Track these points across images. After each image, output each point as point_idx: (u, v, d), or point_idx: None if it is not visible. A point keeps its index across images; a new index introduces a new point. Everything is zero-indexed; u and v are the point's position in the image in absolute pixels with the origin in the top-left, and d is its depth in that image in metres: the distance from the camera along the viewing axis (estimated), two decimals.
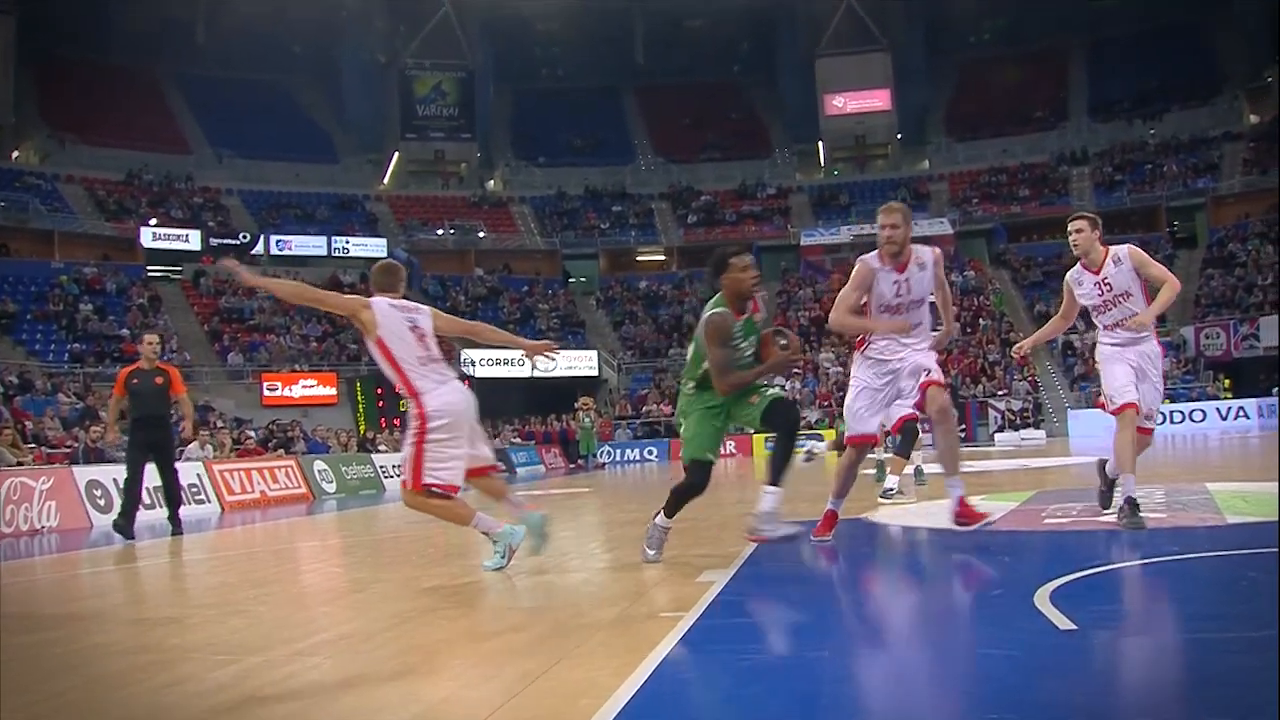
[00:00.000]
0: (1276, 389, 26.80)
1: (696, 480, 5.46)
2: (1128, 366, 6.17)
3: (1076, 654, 3.11)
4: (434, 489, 5.52)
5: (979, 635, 3.65)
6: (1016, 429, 30.72)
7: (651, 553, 5.59)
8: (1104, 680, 2.87)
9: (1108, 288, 6.21)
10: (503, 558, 5.62)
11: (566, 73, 47.31)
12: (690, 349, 5.58)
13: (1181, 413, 28.59)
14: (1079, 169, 42.29)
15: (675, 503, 5.57)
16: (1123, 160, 42.06)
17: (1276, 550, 4.44)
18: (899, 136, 46.52)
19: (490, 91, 47.10)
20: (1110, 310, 6.23)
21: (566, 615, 4.33)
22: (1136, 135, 42.79)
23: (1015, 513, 7.21)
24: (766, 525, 5.33)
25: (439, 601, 4.86)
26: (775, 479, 5.33)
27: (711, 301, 5.48)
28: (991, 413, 31.96)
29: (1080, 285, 6.32)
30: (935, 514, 6.93)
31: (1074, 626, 3.36)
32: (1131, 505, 5.83)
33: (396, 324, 5.60)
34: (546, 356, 6.23)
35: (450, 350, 33.12)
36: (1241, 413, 28.09)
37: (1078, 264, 6.35)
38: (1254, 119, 42.26)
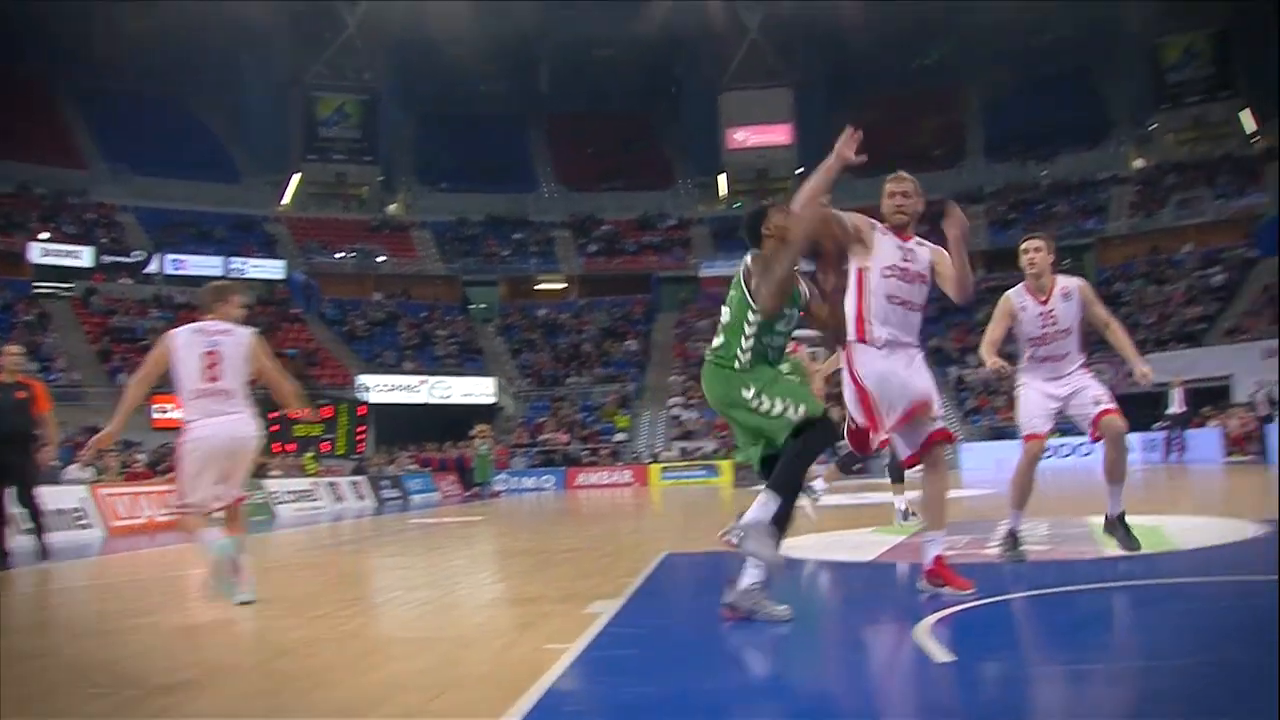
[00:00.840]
0: (1157, 424, 28.14)
1: (828, 434, 4.81)
2: (1046, 397, 6.04)
3: (954, 686, 3.27)
4: (186, 512, 5.72)
5: (859, 668, 3.84)
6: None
7: (771, 551, 4.58)
8: (981, 712, 2.99)
9: (1051, 320, 6.04)
10: (231, 588, 5.61)
11: (472, 98, 47.87)
12: (726, 317, 4.82)
13: (1069, 446, 30.04)
14: (975, 207, 44.12)
15: (796, 474, 4.71)
16: (1016, 200, 44.11)
17: (1276, 577, 4.87)
18: (800, 171, 48.03)
19: (394, 115, 47.73)
20: (1046, 344, 6.06)
21: (452, 647, 4.34)
22: (1030, 176, 44.93)
23: (902, 546, 7.25)
24: (750, 540, 4.53)
25: (324, 631, 4.91)
26: (785, 487, 4.62)
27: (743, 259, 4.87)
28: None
29: (1024, 310, 6.09)
30: (831, 546, 7.16)
31: (952, 658, 3.50)
32: (1013, 538, 6.03)
33: (189, 350, 5.77)
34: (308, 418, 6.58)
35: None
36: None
37: (1020, 286, 6.16)
38: (1139, 163, 44.71)
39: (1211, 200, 41.22)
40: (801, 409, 4.60)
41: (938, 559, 5.01)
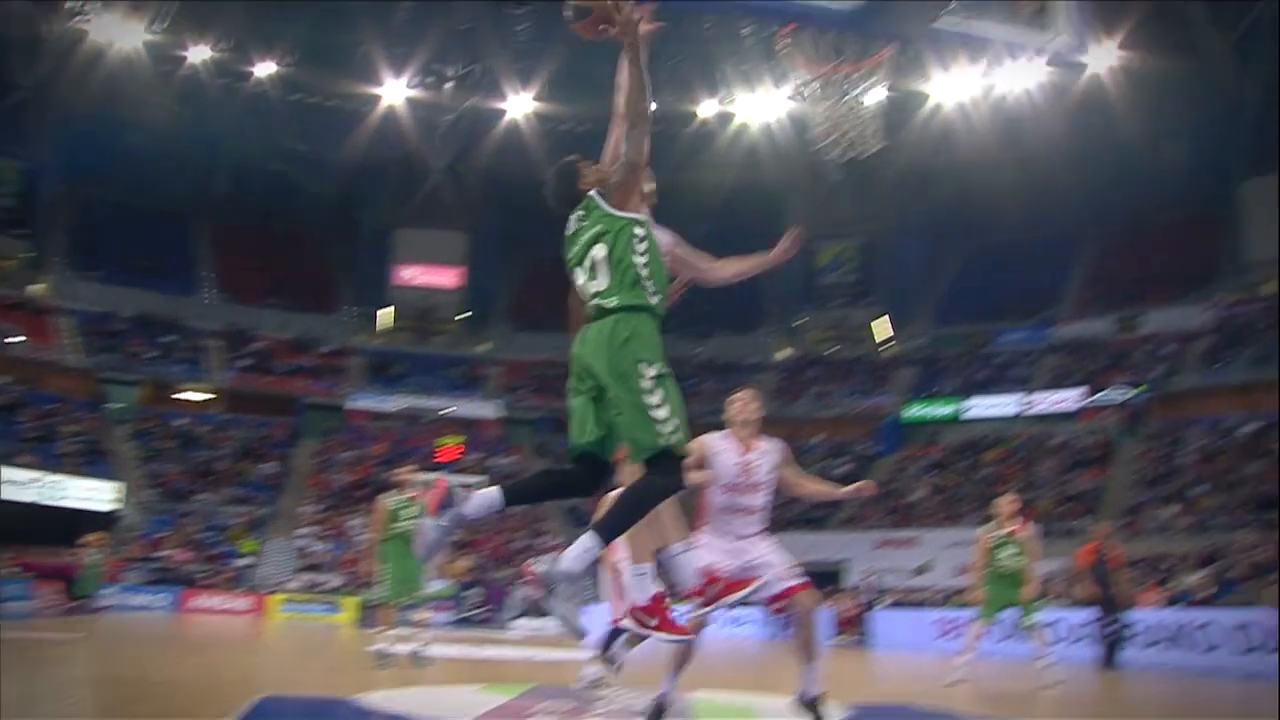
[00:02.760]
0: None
1: (678, 484, 4.46)
2: (723, 556, 5.92)
3: None
4: None
5: None
6: (536, 616, 32.55)
7: (575, 617, 4.41)
8: None
9: (748, 472, 6.07)
10: None
11: (144, 189, 46.71)
12: (600, 253, 4.60)
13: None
14: None
15: (630, 518, 4.37)
16: (677, 371, 48.14)
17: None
18: (464, 316, 50.71)
19: (56, 191, 46.26)
20: (740, 495, 6.07)
21: None
22: (683, 350, 49.23)
23: (501, 708, 7.06)
24: (558, 593, 4.27)
25: None
26: (614, 530, 4.33)
27: (584, 204, 4.75)
28: (512, 598, 34.59)
29: (720, 455, 6.09)
30: (428, 703, 6.97)
31: None
32: (659, 710, 5.99)
33: None
34: None
35: None
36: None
37: (722, 433, 6.23)
38: (784, 353, 50.18)
39: (844, 396, 46.85)
40: (678, 436, 4.34)
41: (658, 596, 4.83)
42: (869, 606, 29.27)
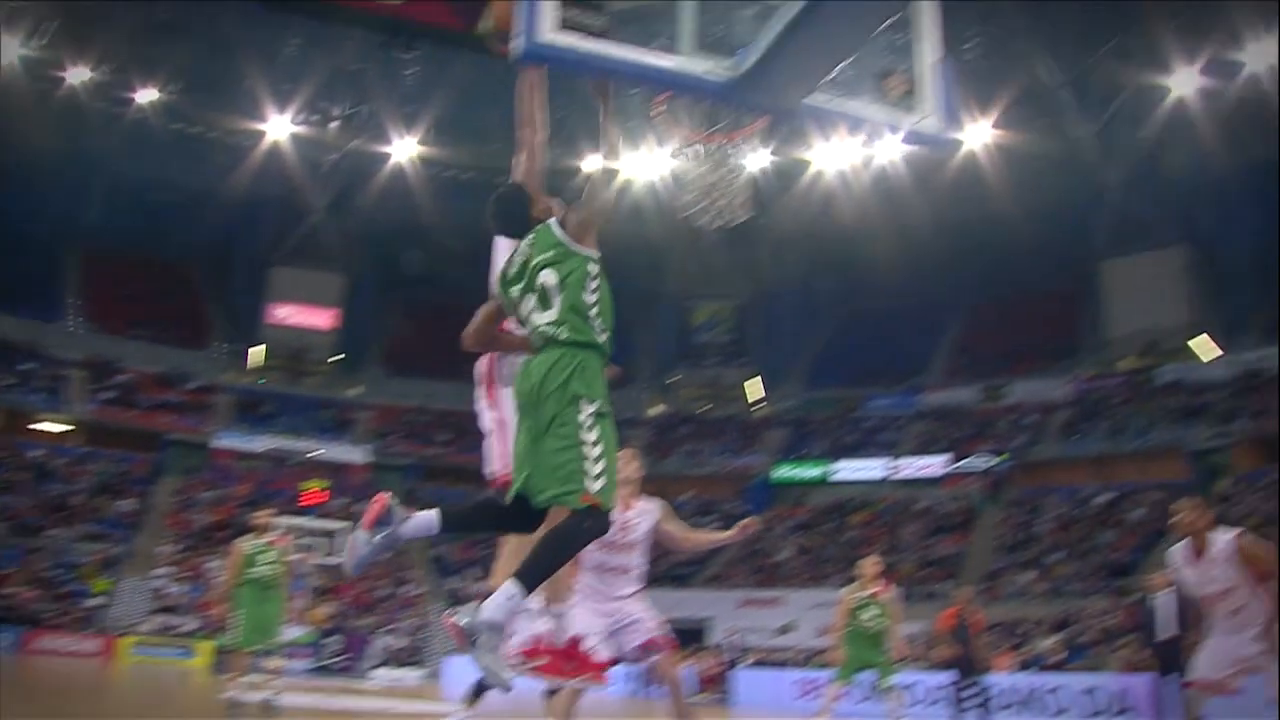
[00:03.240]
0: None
1: (602, 530, 4.32)
2: (595, 617, 5.99)
3: None
4: None
5: None
6: (396, 667, 33.26)
7: (501, 668, 4.17)
8: None
9: (625, 531, 6.22)
10: None
11: (8, 209, 45.24)
12: (552, 279, 4.58)
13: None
14: None
15: (552, 563, 4.31)
16: None
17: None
18: (336, 359, 50.24)
19: None
20: (611, 555, 6.17)
21: None
22: None
23: None
24: (483, 645, 4.09)
25: None
26: (537, 578, 4.23)
27: (538, 232, 4.72)
28: (373, 647, 34.68)
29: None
30: None
31: None
32: None
33: None
34: None
35: None
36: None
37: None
38: (656, 410, 50.69)
39: (714, 455, 47.46)
40: (606, 482, 4.27)
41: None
42: (731, 665, 29.70)
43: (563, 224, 4.63)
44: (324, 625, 33.55)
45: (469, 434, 46.15)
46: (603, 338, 4.58)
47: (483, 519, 4.89)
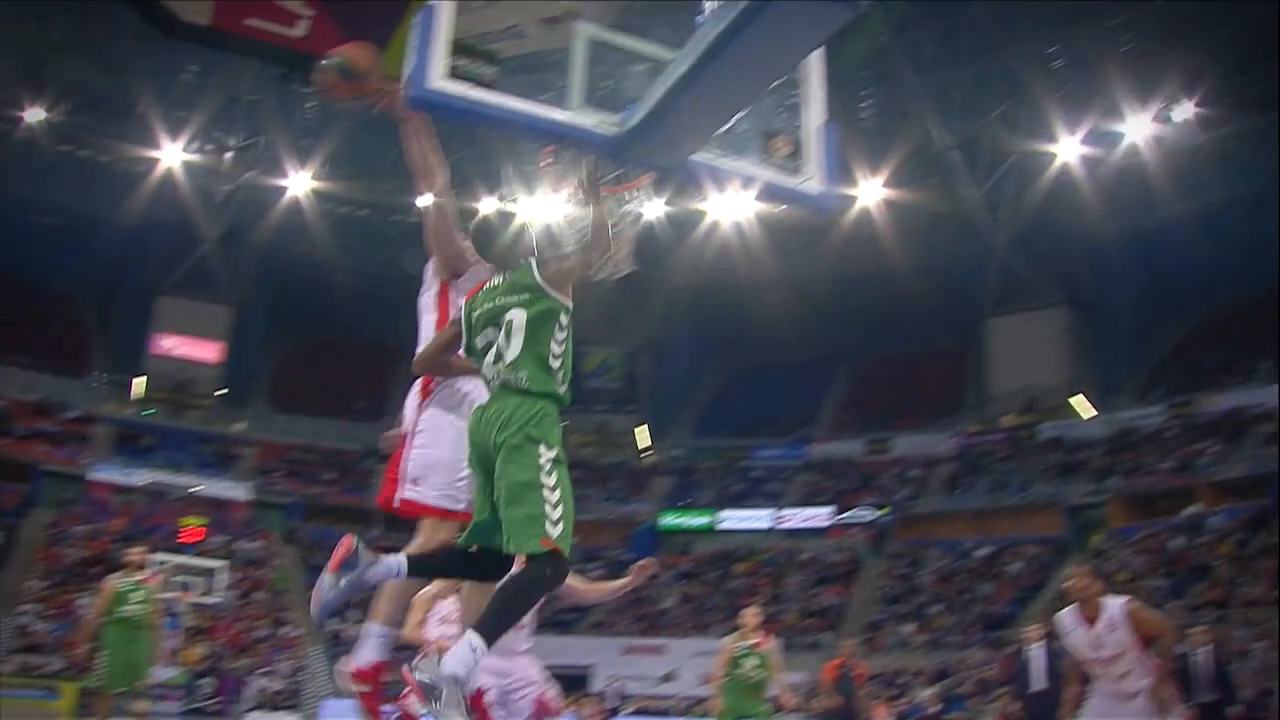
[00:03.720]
0: None
1: (559, 579, 4.30)
2: (488, 675, 5.80)
3: None
4: None
5: None
6: (272, 710, 32.44)
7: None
8: None
9: None
10: None
11: None
12: (517, 320, 4.52)
13: None
14: (384, 465, 47.30)
15: (512, 613, 4.27)
16: None
17: None
18: (221, 393, 49.33)
19: None
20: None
21: None
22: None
23: None
24: (446, 700, 3.97)
25: None
26: (496, 630, 4.14)
27: (518, 270, 4.68)
28: (249, 689, 33.79)
29: None
30: None
31: None
32: None
33: None
34: None
35: None
36: None
37: None
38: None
39: (600, 501, 47.47)
40: (565, 530, 4.22)
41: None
42: (613, 713, 29.69)
43: (542, 266, 4.58)
44: (197, 666, 32.73)
45: (353, 473, 46.10)
46: (562, 389, 4.52)
47: (450, 565, 4.76)
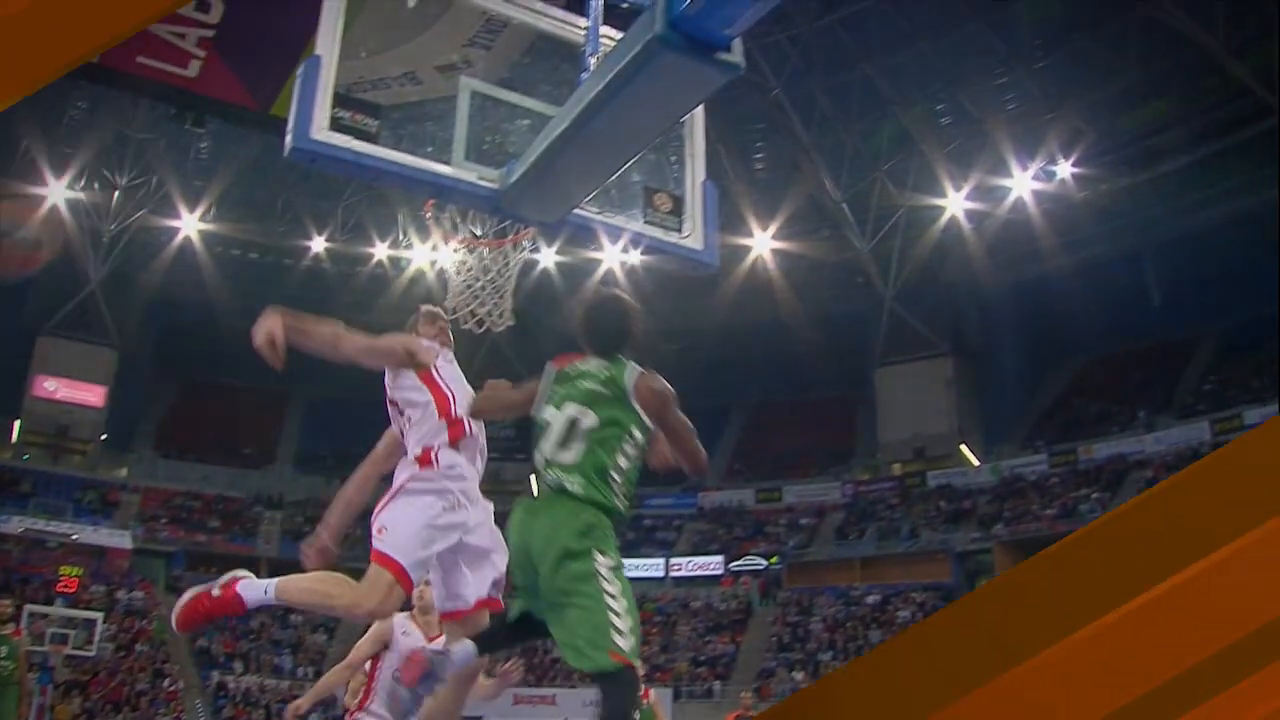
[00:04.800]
0: None
1: (636, 696, 3.99)
2: None
3: None
4: None
5: None
6: None
7: None
8: None
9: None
10: None
11: None
12: (590, 422, 4.23)
13: None
14: (272, 512, 46.69)
15: None
16: (315, 513, 47.19)
17: None
18: (104, 437, 48.19)
19: None
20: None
21: None
22: (333, 491, 48.44)
23: None
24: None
25: None
26: (487, 644, 4.30)
27: (615, 366, 4.40)
28: None
29: (406, 637, 6.47)
30: None
31: None
32: None
33: None
34: None
35: None
36: None
37: (404, 616, 6.55)
38: None
39: None
40: (633, 644, 3.88)
41: None
42: None
43: (638, 375, 4.32)
44: None
45: (240, 520, 45.26)
46: (622, 504, 4.14)
47: (509, 634, 4.48)
